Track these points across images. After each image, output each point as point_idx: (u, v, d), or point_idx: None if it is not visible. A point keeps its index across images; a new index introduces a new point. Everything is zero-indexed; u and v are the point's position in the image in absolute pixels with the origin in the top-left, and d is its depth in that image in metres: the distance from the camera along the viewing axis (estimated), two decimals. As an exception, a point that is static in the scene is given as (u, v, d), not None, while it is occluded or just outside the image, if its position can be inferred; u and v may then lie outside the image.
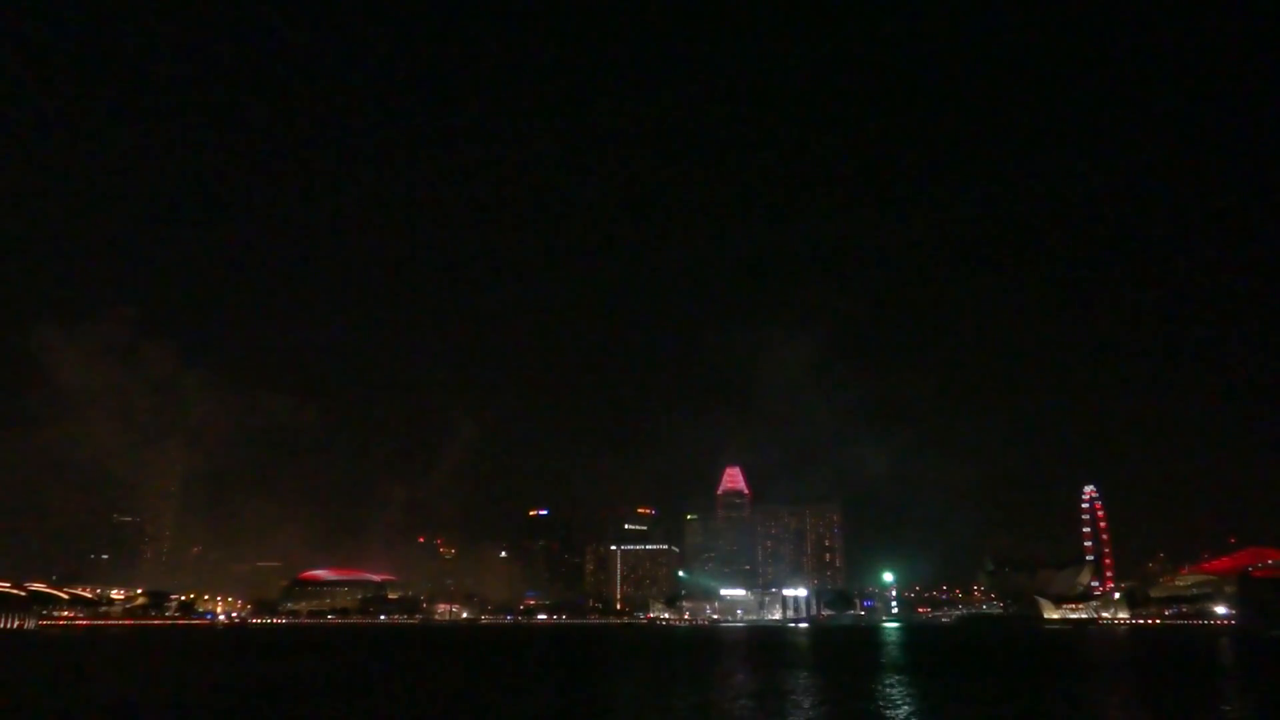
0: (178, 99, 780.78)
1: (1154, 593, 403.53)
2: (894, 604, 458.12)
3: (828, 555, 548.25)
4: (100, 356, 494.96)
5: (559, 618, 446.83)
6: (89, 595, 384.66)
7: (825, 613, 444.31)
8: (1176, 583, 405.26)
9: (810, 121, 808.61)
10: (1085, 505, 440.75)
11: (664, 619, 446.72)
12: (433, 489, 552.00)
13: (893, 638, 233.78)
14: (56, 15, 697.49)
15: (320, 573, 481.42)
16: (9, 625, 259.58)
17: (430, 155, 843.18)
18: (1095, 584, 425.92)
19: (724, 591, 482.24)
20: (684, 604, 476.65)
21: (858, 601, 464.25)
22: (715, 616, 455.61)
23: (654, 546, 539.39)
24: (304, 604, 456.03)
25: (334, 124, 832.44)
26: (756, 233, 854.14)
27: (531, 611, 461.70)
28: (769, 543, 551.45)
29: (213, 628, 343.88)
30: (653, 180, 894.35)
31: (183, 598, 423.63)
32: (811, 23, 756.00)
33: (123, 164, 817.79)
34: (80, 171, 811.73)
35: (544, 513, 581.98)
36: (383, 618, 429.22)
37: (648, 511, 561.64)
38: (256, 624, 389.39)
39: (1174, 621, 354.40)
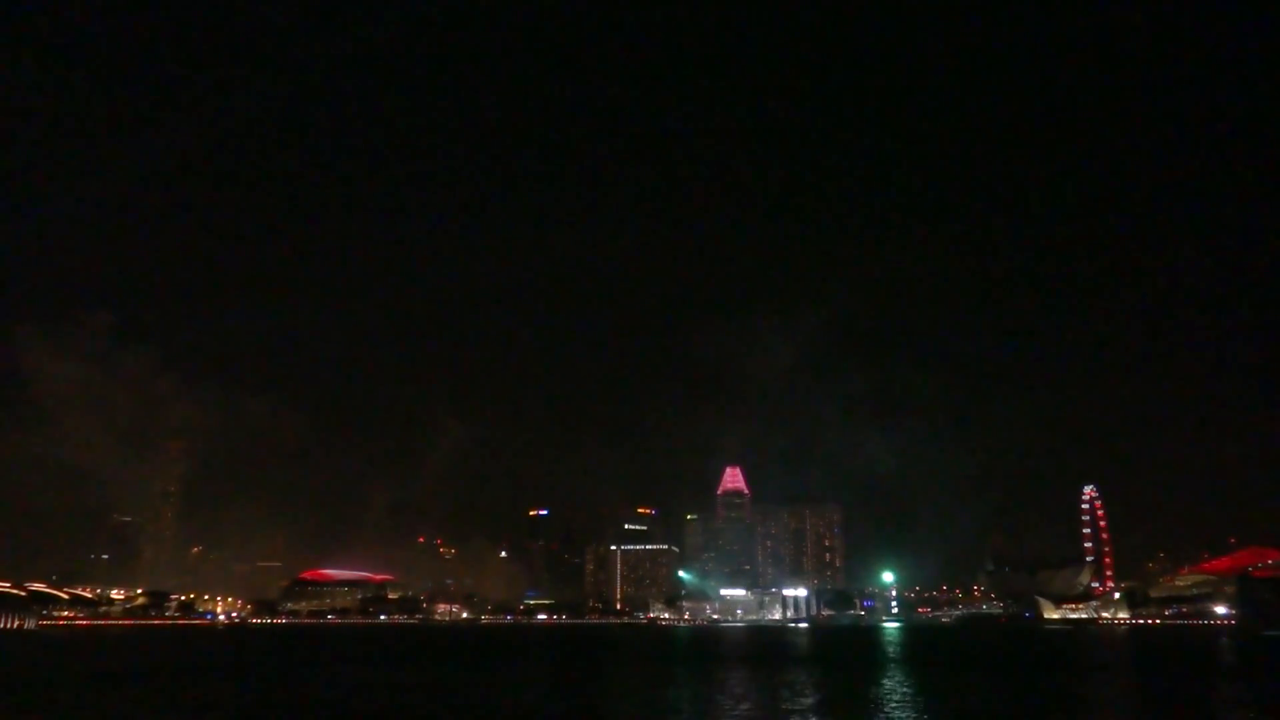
0: (158, 101, 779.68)
1: (1154, 593, 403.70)
2: (894, 604, 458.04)
3: (828, 555, 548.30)
4: (80, 361, 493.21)
5: (559, 618, 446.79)
6: (89, 595, 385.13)
7: (825, 613, 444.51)
8: (1176, 583, 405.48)
9: (808, 114, 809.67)
10: (1085, 505, 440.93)
11: (664, 619, 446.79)
12: (424, 489, 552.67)
13: (893, 638, 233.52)
14: (34, 18, 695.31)
15: (320, 573, 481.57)
16: (9, 625, 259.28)
17: (418, 155, 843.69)
18: (1095, 584, 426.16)
19: (724, 591, 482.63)
20: (684, 604, 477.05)
21: (858, 601, 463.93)
22: (715, 616, 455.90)
23: (654, 546, 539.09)
24: (304, 604, 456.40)
25: (317, 124, 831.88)
26: (756, 229, 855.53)
27: (531, 611, 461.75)
28: (769, 543, 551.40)
29: (213, 628, 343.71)
30: (652, 179, 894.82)
31: (183, 598, 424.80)
32: (812, 19, 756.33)
33: (102, 166, 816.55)
34: (59, 175, 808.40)
35: (544, 513, 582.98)
36: (383, 618, 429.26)
37: (648, 511, 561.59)
38: (256, 624, 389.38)
39: (1174, 621, 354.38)
